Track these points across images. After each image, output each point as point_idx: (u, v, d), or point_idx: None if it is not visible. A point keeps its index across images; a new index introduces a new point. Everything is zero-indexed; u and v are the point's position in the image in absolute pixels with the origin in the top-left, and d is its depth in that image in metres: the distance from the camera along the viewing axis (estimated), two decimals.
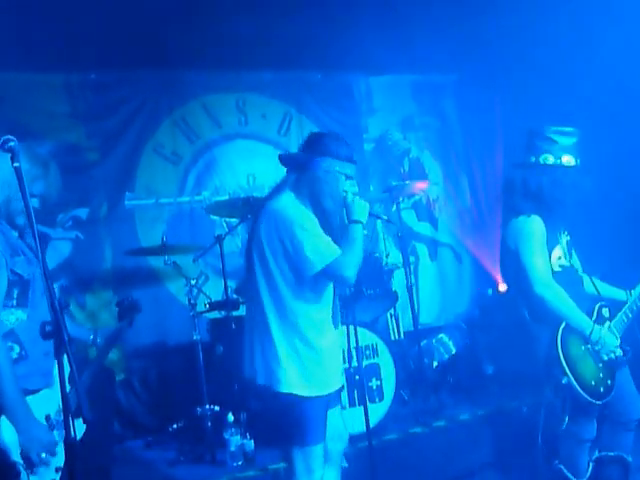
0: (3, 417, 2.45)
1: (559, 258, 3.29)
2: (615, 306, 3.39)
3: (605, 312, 3.29)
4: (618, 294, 3.49)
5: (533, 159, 3.29)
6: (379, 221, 6.39)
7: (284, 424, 2.90)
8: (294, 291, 2.84)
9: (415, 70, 6.54)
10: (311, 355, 2.84)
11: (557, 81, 5.42)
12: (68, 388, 2.19)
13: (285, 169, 3.08)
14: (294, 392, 2.80)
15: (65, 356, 2.09)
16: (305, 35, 5.21)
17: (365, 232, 3.02)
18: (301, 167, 2.96)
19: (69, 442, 2.06)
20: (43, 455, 2.49)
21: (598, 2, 4.61)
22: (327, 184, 2.93)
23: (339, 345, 3.06)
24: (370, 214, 3.02)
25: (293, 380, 2.80)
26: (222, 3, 4.59)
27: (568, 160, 3.25)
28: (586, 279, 3.44)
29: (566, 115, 5.16)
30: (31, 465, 2.49)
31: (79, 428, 2.44)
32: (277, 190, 2.99)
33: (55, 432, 2.59)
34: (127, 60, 5.19)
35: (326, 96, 6.36)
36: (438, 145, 6.88)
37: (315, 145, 3.00)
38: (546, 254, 3.22)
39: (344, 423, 3.14)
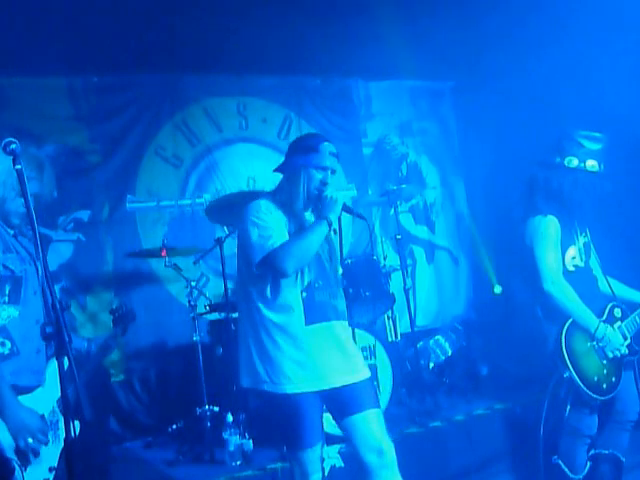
0: None
1: (573, 258, 3.36)
2: (630, 307, 3.45)
3: (617, 312, 3.36)
4: (634, 295, 3.55)
5: (558, 160, 3.35)
6: (377, 223, 6.49)
7: (275, 426, 2.92)
8: (257, 290, 2.84)
9: (413, 76, 6.59)
10: (284, 352, 2.78)
11: (556, 86, 5.46)
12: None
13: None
14: (271, 389, 2.78)
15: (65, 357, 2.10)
16: (305, 40, 5.25)
17: (333, 229, 2.91)
18: (280, 170, 3.01)
19: (69, 442, 2.07)
20: (30, 440, 2.46)
21: (597, 7, 4.65)
22: (296, 184, 2.91)
23: (333, 340, 2.88)
24: (345, 210, 2.92)
25: (268, 377, 2.79)
26: (224, 8, 4.63)
27: (592, 165, 3.32)
28: (602, 279, 3.48)
29: (564, 120, 5.25)
30: (24, 459, 2.49)
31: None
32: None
33: (49, 432, 2.59)
34: (129, 64, 5.23)
35: (326, 101, 6.42)
36: (435, 150, 6.94)
37: (289, 147, 3.08)
38: (559, 253, 3.30)
39: (380, 432, 2.90)
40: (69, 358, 2.10)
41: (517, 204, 3.58)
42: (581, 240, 3.41)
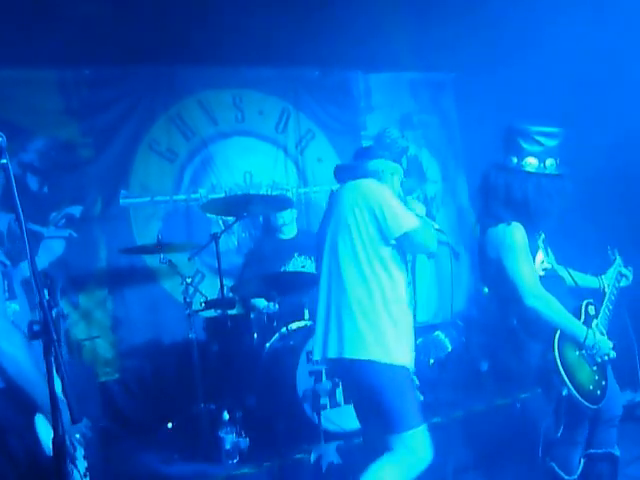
0: (37, 416, 2.38)
1: (542, 262, 3.22)
2: (593, 296, 3.34)
3: (591, 310, 3.24)
4: (592, 282, 3.46)
5: (515, 160, 3.14)
6: None
7: (384, 402, 2.84)
8: (382, 264, 2.96)
9: (414, 68, 6.53)
10: (392, 326, 2.90)
11: (558, 79, 5.40)
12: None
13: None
14: (375, 359, 2.83)
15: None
16: (303, 31, 5.20)
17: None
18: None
19: (57, 441, 2.00)
20: (77, 436, 2.46)
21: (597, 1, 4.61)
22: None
23: (412, 325, 3.07)
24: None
25: (380, 349, 2.84)
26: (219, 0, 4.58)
27: (551, 164, 3.13)
28: (563, 272, 3.37)
29: (565, 114, 5.18)
30: (71, 457, 2.44)
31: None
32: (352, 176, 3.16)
33: None
34: (122, 56, 5.17)
35: (324, 93, 6.35)
36: (436, 143, 6.87)
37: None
38: (532, 262, 3.12)
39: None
40: (57, 357, 2.04)
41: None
42: (541, 239, 3.29)
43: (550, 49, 5.23)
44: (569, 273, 3.38)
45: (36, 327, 2.04)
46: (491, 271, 3.22)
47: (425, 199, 6.73)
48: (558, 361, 3.02)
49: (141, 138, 5.57)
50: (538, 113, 5.19)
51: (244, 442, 4.07)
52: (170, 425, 4.59)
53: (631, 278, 3.50)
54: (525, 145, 3.14)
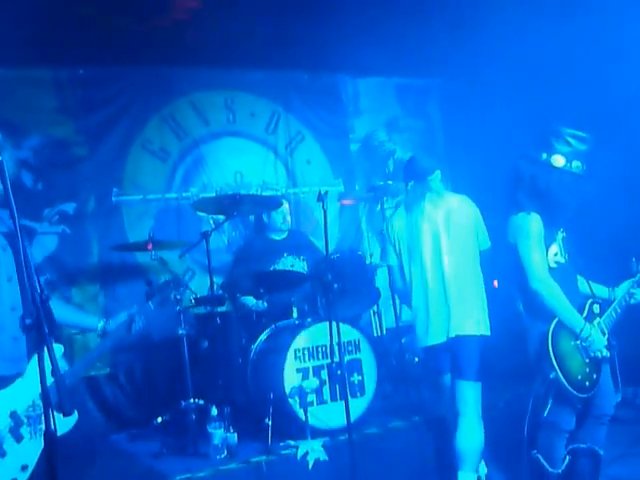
0: None
1: (555, 255, 3.37)
2: (605, 302, 3.48)
3: (595, 308, 3.38)
4: (604, 292, 3.58)
5: (544, 156, 3.33)
6: (363, 219, 6.51)
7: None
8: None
9: (400, 73, 6.63)
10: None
11: (542, 85, 5.49)
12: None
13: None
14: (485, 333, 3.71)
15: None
16: (293, 36, 5.27)
17: None
18: None
19: (49, 435, 2.04)
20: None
21: (581, 8, 4.69)
22: None
23: None
24: None
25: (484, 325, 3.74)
26: (212, 2, 4.63)
27: (577, 166, 3.30)
28: (580, 278, 3.53)
29: (551, 119, 5.27)
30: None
31: (66, 423, 2.46)
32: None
33: (25, 428, 2.52)
34: (116, 56, 5.21)
35: (313, 96, 6.44)
36: (422, 147, 6.95)
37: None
38: (544, 251, 3.31)
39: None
40: (49, 351, 2.07)
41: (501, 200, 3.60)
42: (560, 236, 3.44)
43: (534, 55, 5.32)
44: (588, 283, 3.53)
45: (28, 320, 2.06)
46: (509, 256, 3.42)
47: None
48: (550, 345, 3.16)
49: (134, 137, 5.62)
50: (522, 118, 5.35)
51: (232, 437, 4.08)
52: (159, 420, 4.57)
53: (639, 298, 3.53)
54: (556, 144, 3.33)
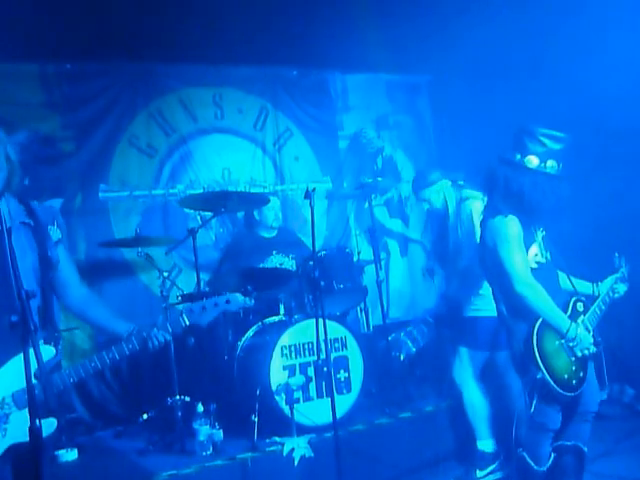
0: None
1: (535, 255, 3.36)
2: (589, 299, 3.48)
3: (580, 306, 3.38)
4: (587, 288, 3.58)
5: (518, 157, 3.30)
6: (352, 216, 6.52)
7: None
8: None
9: (390, 69, 6.62)
10: None
11: (532, 83, 5.49)
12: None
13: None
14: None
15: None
16: (282, 31, 5.26)
17: None
18: None
19: (34, 430, 2.03)
20: None
21: (571, 6, 4.70)
22: None
23: None
24: None
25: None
26: None
27: (552, 165, 3.27)
28: (562, 275, 3.53)
29: (538, 118, 5.28)
30: None
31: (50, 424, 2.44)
32: None
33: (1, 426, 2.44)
34: (103, 51, 5.18)
35: (302, 92, 6.43)
36: (411, 144, 6.97)
37: None
38: (524, 253, 3.29)
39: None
40: (35, 348, 2.07)
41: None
42: (540, 235, 3.44)
43: (523, 52, 5.33)
44: (569, 279, 3.51)
45: (14, 318, 2.06)
46: (488, 259, 3.40)
47: (400, 198, 6.85)
48: (535, 345, 3.16)
49: (121, 133, 5.60)
50: (511, 115, 5.36)
51: (218, 434, 4.08)
52: (145, 416, 4.59)
53: (622, 292, 3.57)
54: (529, 143, 3.29)
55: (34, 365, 2.09)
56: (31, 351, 2.13)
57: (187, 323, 2.84)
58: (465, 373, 4.28)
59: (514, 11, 4.94)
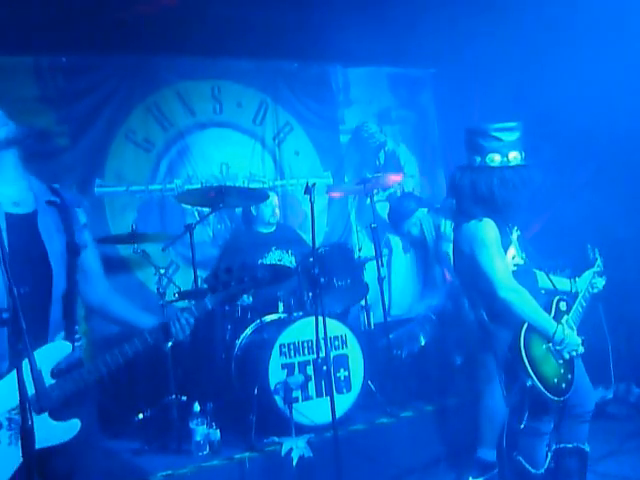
0: None
1: (513, 257, 3.29)
2: (570, 297, 3.43)
3: (562, 306, 3.31)
4: (566, 285, 3.53)
5: (479, 159, 3.22)
6: (353, 212, 6.45)
7: None
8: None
9: (393, 63, 6.54)
10: None
11: (535, 77, 5.44)
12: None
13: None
14: None
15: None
16: (282, 23, 5.20)
17: None
18: None
19: (26, 429, 1.97)
20: None
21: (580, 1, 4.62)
22: None
23: None
24: None
25: None
26: None
27: (515, 156, 3.20)
28: (540, 274, 3.45)
29: (543, 111, 5.23)
30: None
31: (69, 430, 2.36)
32: None
33: (5, 432, 2.29)
34: (99, 44, 5.10)
35: (303, 86, 6.35)
36: (414, 139, 6.91)
37: None
38: (504, 257, 3.21)
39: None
40: (26, 346, 2.00)
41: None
42: (515, 235, 3.35)
43: (528, 46, 5.28)
44: (548, 277, 3.44)
45: (5, 315, 2.04)
46: (464, 265, 3.30)
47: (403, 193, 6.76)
48: (523, 353, 3.08)
49: (117, 127, 5.52)
50: (514, 109, 5.29)
51: (215, 434, 4.06)
52: (141, 416, 4.55)
53: (601, 286, 3.55)
54: (485, 143, 3.21)
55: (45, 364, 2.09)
56: (39, 350, 2.19)
57: (210, 307, 2.61)
58: (491, 375, 3.79)
59: (521, 5, 4.86)
